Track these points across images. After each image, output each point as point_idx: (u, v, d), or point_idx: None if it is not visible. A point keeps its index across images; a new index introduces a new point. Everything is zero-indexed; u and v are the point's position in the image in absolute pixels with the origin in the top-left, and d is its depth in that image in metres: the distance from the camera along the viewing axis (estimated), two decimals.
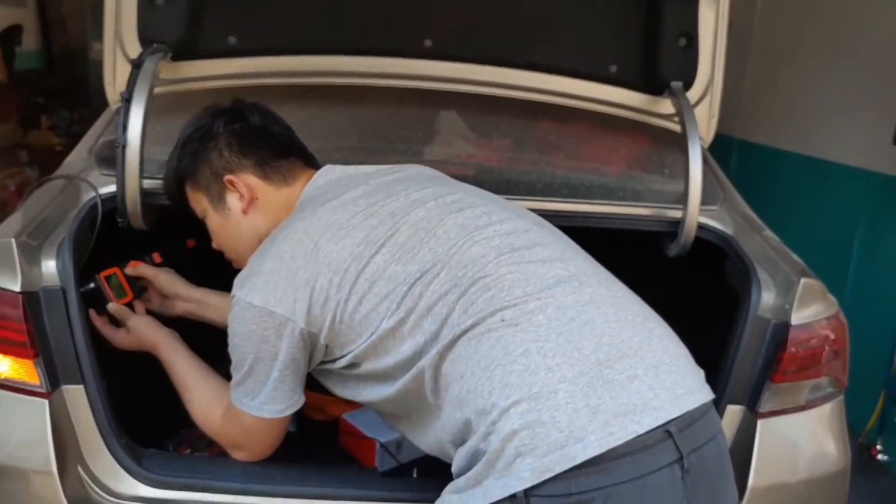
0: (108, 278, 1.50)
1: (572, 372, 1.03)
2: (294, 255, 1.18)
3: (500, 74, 1.79)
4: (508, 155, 1.85)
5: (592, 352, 1.06)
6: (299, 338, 1.18)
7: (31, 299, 1.30)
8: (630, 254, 1.57)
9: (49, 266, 1.33)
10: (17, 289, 1.29)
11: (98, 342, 1.41)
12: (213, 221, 1.39)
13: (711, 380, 1.18)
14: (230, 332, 1.23)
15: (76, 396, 1.32)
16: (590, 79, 1.81)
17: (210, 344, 1.44)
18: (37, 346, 1.30)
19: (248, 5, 1.72)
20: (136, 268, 1.53)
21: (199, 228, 1.46)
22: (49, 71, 6.51)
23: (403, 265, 1.15)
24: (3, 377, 1.31)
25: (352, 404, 1.75)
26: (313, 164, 1.41)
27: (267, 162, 1.36)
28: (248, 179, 1.35)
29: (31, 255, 1.33)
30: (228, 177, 1.35)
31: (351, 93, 1.82)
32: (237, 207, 1.35)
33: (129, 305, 1.51)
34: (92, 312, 1.44)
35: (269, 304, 1.17)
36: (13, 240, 1.30)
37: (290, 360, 1.20)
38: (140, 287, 1.54)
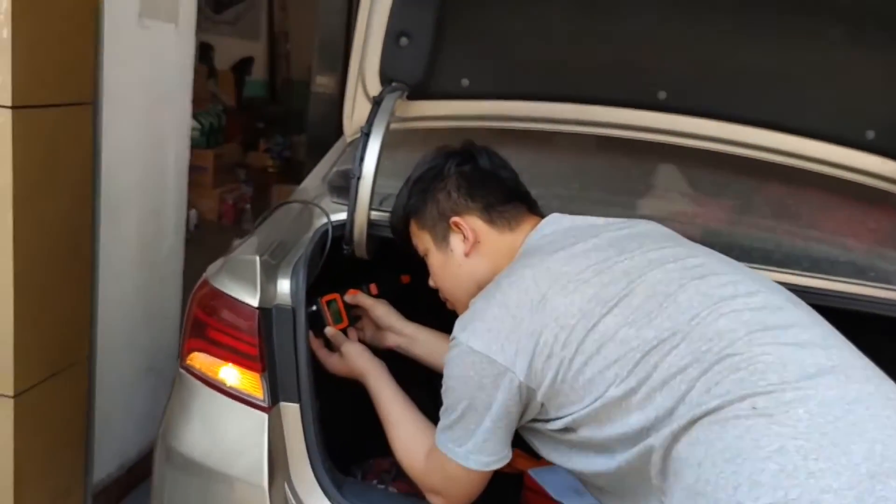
0: (328, 303, 1.53)
1: (838, 482, 0.89)
2: (520, 304, 1.15)
3: (738, 132, 1.66)
4: (739, 218, 1.71)
5: (863, 461, 0.91)
6: (516, 391, 1.14)
7: (265, 316, 1.35)
8: (876, 344, 1.39)
9: (283, 286, 1.39)
10: (255, 304, 1.35)
11: (312, 364, 1.44)
12: (434, 260, 1.39)
13: None
14: (446, 373, 1.21)
15: (291, 414, 1.35)
16: (841, 143, 1.63)
17: (414, 381, 1.45)
18: (265, 360, 1.35)
19: (482, 51, 1.73)
20: (356, 296, 1.56)
21: (413, 264, 1.47)
22: (271, 99, 7.20)
23: (637, 329, 1.08)
24: (230, 386, 1.37)
25: (538, 460, 1.69)
26: (537, 212, 1.38)
27: (493, 206, 1.35)
28: (473, 222, 1.34)
29: (269, 274, 1.39)
30: (455, 218, 1.35)
31: (574, 141, 1.78)
32: (459, 249, 1.35)
33: (344, 332, 1.54)
34: (310, 334, 1.48)
35: (489, 352, 1.14)
36: (258, 258, 1.36)
37: (504, 413, 1.16)
38: (355, 315, 1.58)
